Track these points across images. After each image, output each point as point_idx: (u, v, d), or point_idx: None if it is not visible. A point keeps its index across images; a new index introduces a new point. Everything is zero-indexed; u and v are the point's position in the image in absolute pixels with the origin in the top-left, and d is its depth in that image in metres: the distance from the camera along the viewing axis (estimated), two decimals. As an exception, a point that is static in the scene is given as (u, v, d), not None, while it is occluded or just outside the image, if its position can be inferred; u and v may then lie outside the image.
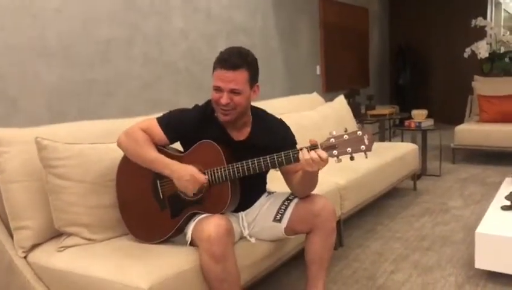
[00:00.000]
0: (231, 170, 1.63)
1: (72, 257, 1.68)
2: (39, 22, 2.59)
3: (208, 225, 1.55)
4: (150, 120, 1.77)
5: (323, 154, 1.52)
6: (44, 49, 2.63)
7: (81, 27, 2.82)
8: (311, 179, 1.71)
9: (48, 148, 1.73)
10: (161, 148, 1.74)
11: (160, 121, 1.76)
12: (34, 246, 1.77)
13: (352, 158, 1.54)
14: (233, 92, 1.64)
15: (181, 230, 1.72)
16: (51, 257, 1.70)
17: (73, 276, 1.59)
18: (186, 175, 1.62)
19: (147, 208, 1.75)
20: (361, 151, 1.52)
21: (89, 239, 1.78)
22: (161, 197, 1.73)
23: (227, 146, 1.71)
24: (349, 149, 1.52)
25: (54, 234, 1.81)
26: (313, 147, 1.55)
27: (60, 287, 1.66)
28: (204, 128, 1.74)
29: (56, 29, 2.68)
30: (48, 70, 2.65)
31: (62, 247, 1.73)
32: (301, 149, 1.56)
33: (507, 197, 2.42)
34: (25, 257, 1.75)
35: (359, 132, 1.53)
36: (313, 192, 1.82)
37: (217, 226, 1.54)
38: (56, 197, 1.75)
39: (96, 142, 1.89)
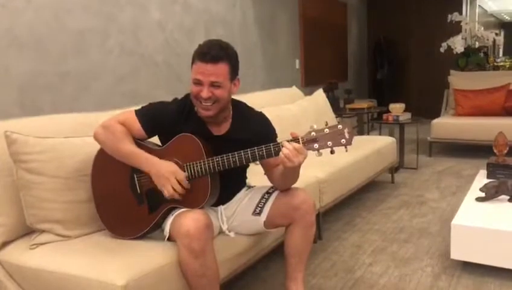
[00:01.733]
0: (211, 164, 1.60)
1: (45, 254, 1.63)
2: (8, 12, 2.50)
3: (186, 220, 1.52)
4: (128, 112, 1.72)
5: (298, 145, 1.51)
6: (14, 40, 2.53)
7: (53, 17, 2.72)
8: (293, 172, 1.68)
9: (18, 142, 1.67)
10: (139, 142, 1.70)
11: (139, 113, 1.71)
12: (5, 244, 1.71)
13: (332, 152, 1.54)
14: (213, 85, 1.60)
15: (158, 225, 1.69)
16: (23, 255, 1.65)
17: (47, 274, 1.55)
18: (166, 173, 1.58)
19: (124, 203, 1.71)
20: (342, 145, 1.52)
21: (63, 235, 1.72)
22: (138, 191, 1.69)
23: (206, 140, 1.68)
24: (329, 143, 1.51)
25: (26, 231, 1.75)
26: (292, 140, 1.53)
27: (33, 285, 1.60)
28: (183, 122, 1.70)
29: (26, 19, 2.58)
30: (18, 63, 2.56)
31: (34, 244, 1.67)
32: (282, 143, 1.53)
33: (481, 189, 2.47)
34: (-4, 255, 1.69)
35: (340, 126, 1.52)
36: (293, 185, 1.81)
37: (196, 221, 1.51)
38: (27, 193, 1.69)
39: (71, 136, 1.83)
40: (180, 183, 1.58)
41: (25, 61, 2.59)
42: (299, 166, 1.57)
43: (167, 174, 1.57)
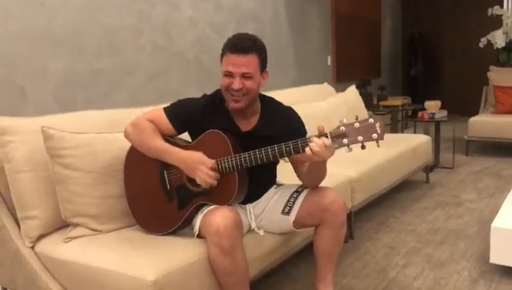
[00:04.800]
0: (238, 160, 1.58)
1: (79, 247, 1.66)
2: (46, 10, 2.57)
3: (215, 218, 1.52)
4: (157, 110, 1.74)
5: (327, 141, 1.45)
6: (51, 38, 2.60)
7: (89, 15, 2.78)
8: (319, 169, 1.65)
9: (54, 138, 1.71)
10: (168, 139, 1.71)
11: (168, 111, 1.72)
12: (41, 236, 1.75)
13: (363, 147, 1.47)
14: (244, 76, 1.60)
15: (188, 222, 1.69)
16: (57, 248, 1.69)
17: (80, 267, 1.58)
18: (194, 163, 1.58)
19: (155, 199, 1.72)
20: (373, 139, 1.45)
21: (96, 230, 1.75)
22: (168, 188, 1.70)
23: (234, 136, 1.67)
24: (360, 137, 1.45)
25: (61, 224, 1.79)
26: (320, 135, 1.48)
27: (67, 277, 1.64)
28: (211, 117, 1.70)
29: (63, 17, 2.65)
30: (55, 60, 2.63)
31: (69, 238, 1.71)
32: (310, 139, 1.49)
33: (524, 191, 2.36)
34: (32, 247, 1.74)
35: (371, 120, 1.45)
36: (324, 184, 1.77)
37: (225, 219, 1.51)
38: (63, 188, 1.73)
39: (103, 132, 1.86)
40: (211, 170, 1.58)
41: (61, 58, 2.66)
42: (325, 162, 1.53)
43: (195, 164, 1.58)
